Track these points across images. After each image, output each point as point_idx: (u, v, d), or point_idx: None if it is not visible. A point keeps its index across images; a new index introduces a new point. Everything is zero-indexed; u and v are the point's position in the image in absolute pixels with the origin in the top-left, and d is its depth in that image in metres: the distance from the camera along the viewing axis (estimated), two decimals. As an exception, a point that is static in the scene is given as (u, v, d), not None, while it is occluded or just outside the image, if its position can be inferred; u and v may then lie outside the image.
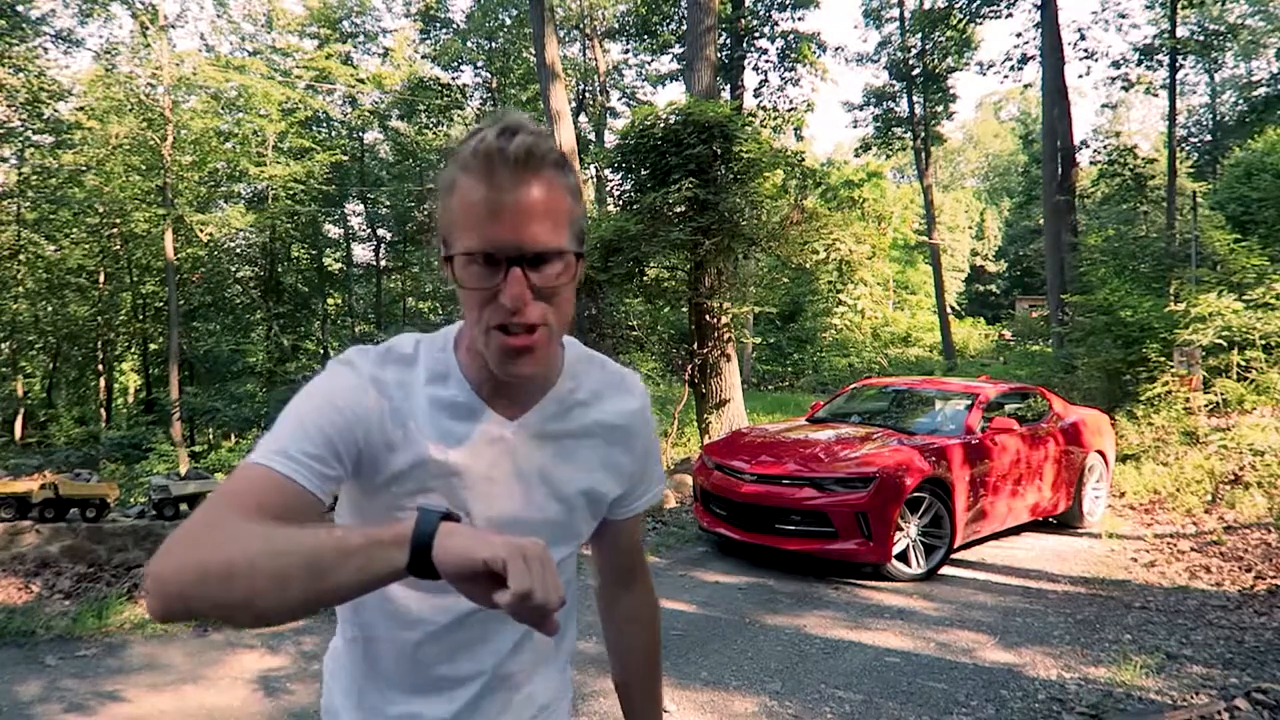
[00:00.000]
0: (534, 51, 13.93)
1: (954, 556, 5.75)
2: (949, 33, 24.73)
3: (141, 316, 23.55)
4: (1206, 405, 8.80)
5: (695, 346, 9.92)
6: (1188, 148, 29.80)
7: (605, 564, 1.27)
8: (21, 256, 20.62)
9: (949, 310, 29.71)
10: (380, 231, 25.57)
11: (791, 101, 22.38)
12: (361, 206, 25.62)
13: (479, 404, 0.99)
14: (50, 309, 22.17)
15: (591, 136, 26.44)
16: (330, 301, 25.69)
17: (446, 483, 0.98)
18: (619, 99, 28.10)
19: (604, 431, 1.08)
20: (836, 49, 31.28)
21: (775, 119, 21.68)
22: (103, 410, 22.88)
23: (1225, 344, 8.95)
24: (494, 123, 0.88)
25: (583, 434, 1.06)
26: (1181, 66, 21.29)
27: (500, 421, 1.00)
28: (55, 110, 18.45)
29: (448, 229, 0.91)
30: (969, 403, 6.40)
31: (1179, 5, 19.07)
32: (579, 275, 0.95)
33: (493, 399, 1.00)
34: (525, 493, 1.03)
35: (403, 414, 0.97)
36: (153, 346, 24.19)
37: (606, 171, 14.29)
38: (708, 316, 9.74)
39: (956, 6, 23.45)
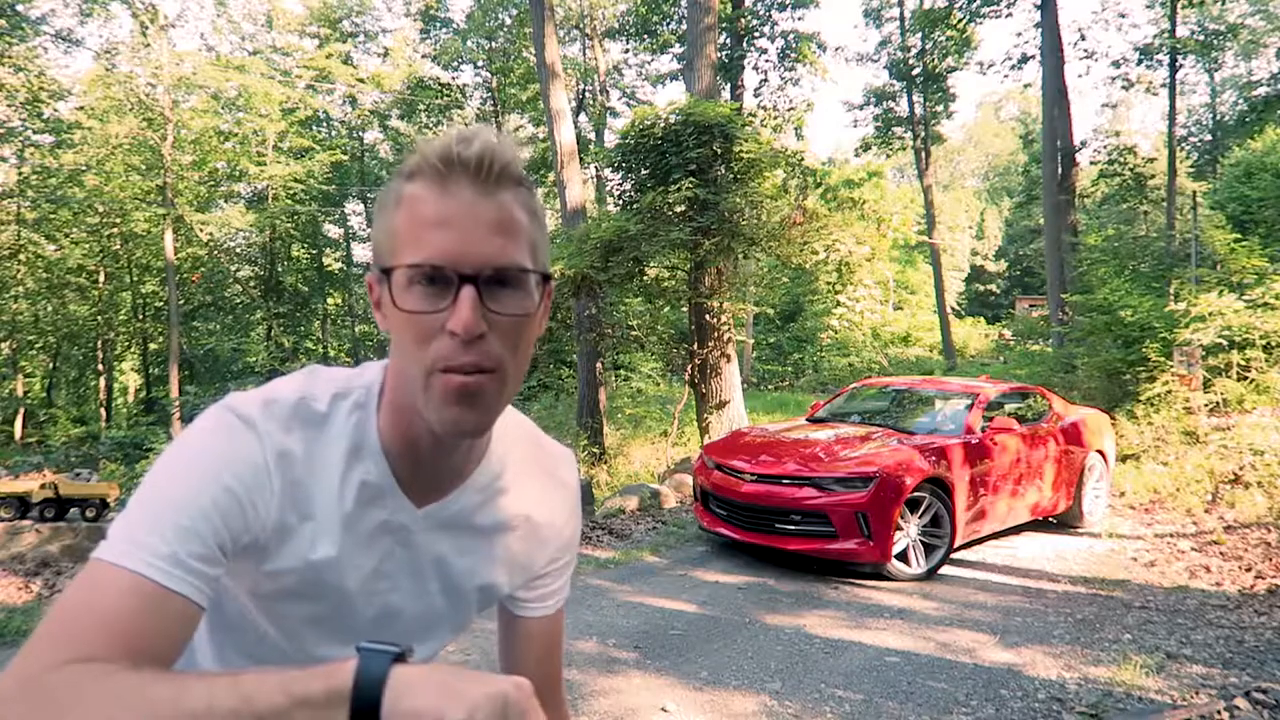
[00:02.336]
0: (534, 51, 13.94)
1: (954, 556, 5.75)
2: (949, 32, 24.74)
3: (141, 316, 23.58)
4: (1206, 405, 8.80)
5: (695, 346, 9.92)
6: (1188, 147, 29.83)
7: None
8: (21, 256, 20.64)
9: (949, 310, 29.72)
10: (380, 231, 25.75)
11: (791, 101, 22.39)
12: (361, 206, 25.65)
13: (391, 486, 0.82)
14: (50, 309, 22.20)
15: (591, 136, 26.44)
16: (330, 301, 25.72)
17: (332, 577, 0.83)
18: (619, 99, 28.13)
19: (523, 525, 0.93)
20: (836, 49, 31.29)
21: (775, 119, 21.68)
22: (103, 410, 22.90)
23: (1225, 344, 8.95)
24: (450, 132, 0.76)
25: (496, 529, 0.91)
26: (1181, 66, 21.31)
27: (406, 508, 0.84)
28: (55, 110, 18.46)
29: (387, 248, 0.75)
30: (969, 402, 6.40)
31: (1179, 5, 19.08)
32: (544, 316, 0.80)
33: (407, 479, 0.83)
34: (415, 585, 0.89)
35: (308, 502, 0.79)
36: (153, 346, 24.23)
37: (606, 171, 14.30)
38: (708, 316, 9.74)
39: (956, 6, 23.45)
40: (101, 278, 22.52)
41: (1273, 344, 9.02)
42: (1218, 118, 31.78)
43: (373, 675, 0.58)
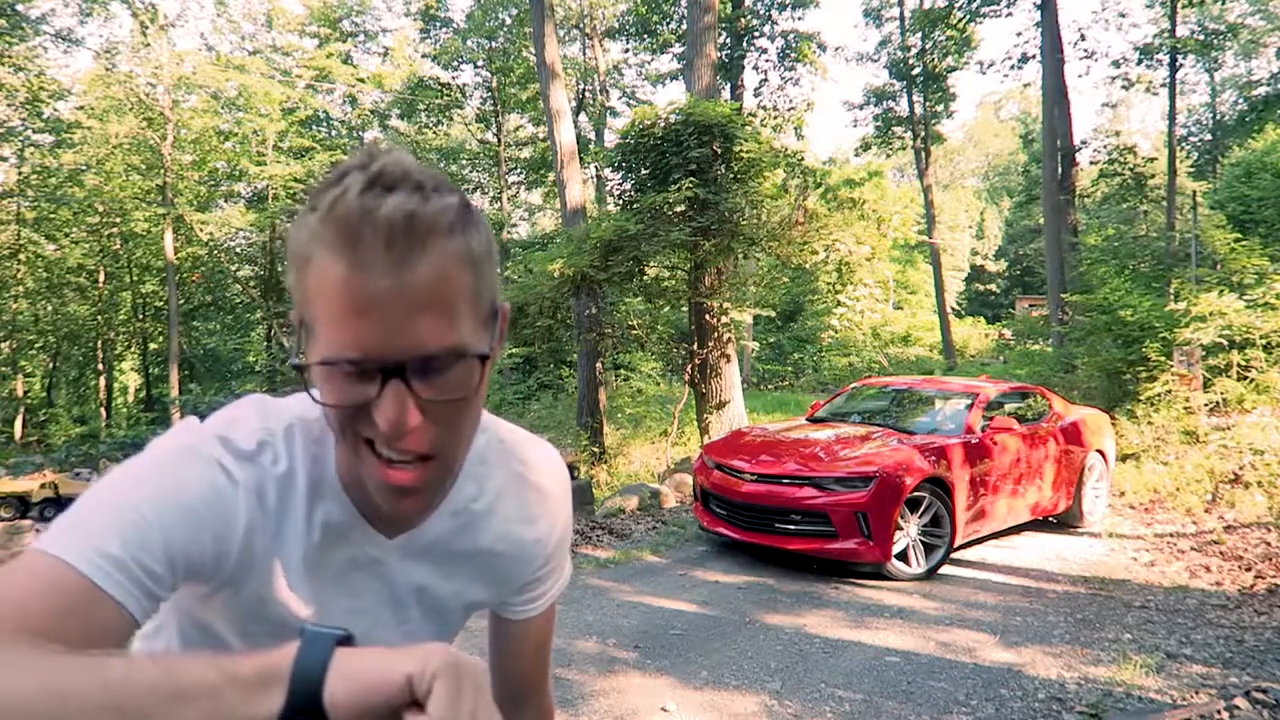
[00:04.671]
0: (534, 51, 13.94)
1: (954, 556, 5.75)
2: (949, 32, 24.74)
3: (141, 316, 23.59)
4: (1206, 405, 8.79)
5: (695, 346, 9.92)
6: (1188, 147, 29.81)
7: (495, 673, 1.02)
8: (21, 256, 20.66)
9: (949, 310, 29.71)
10: (380, 231, 25.87)
11: (791, 101, 22.39)
12: (362, 206, 25.69)
13: (355, 521, 0.78)
14: (50, 308, 22.22)
15: (591, 136, 26.44)
16: (330, 301, 25.73)
17: (300, 616, 0.79)
18: (619, 99, 28.12)
19: (506, 544, 0.87)
20: (836, 48, 31.36)
21: (775, 119, 21.68)
22: (103, 410, 22.90)
23: (1225, 343, 8.95)
24: (362, 162, 0.63)
25: (478, 552, 0.86)
26: (1181, 66, 21.30)
27: (377, 542, 0.79)
28: (55, 110, 18.46)
29: (307, 314, 0.66)
30: (969, 402, 6.39)
31: (1179, 4, 19.07)
32: (497, 348, 0.71)
33: (372, 511, 0.77)
34: (395, 615, 0.85)
35: (270, 542, 0.75)
36: (153, 346, 24.24)
37: (606, 171, 14.30)
38: (708, 316, 9.74)
39: (956, 6, 23.45)
40: (101, 277, 22.53)
41: (1273, 344, 9.02)
42: (1218, 117, 31.75)
43: (315, 656, 0.53)
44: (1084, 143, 20.02)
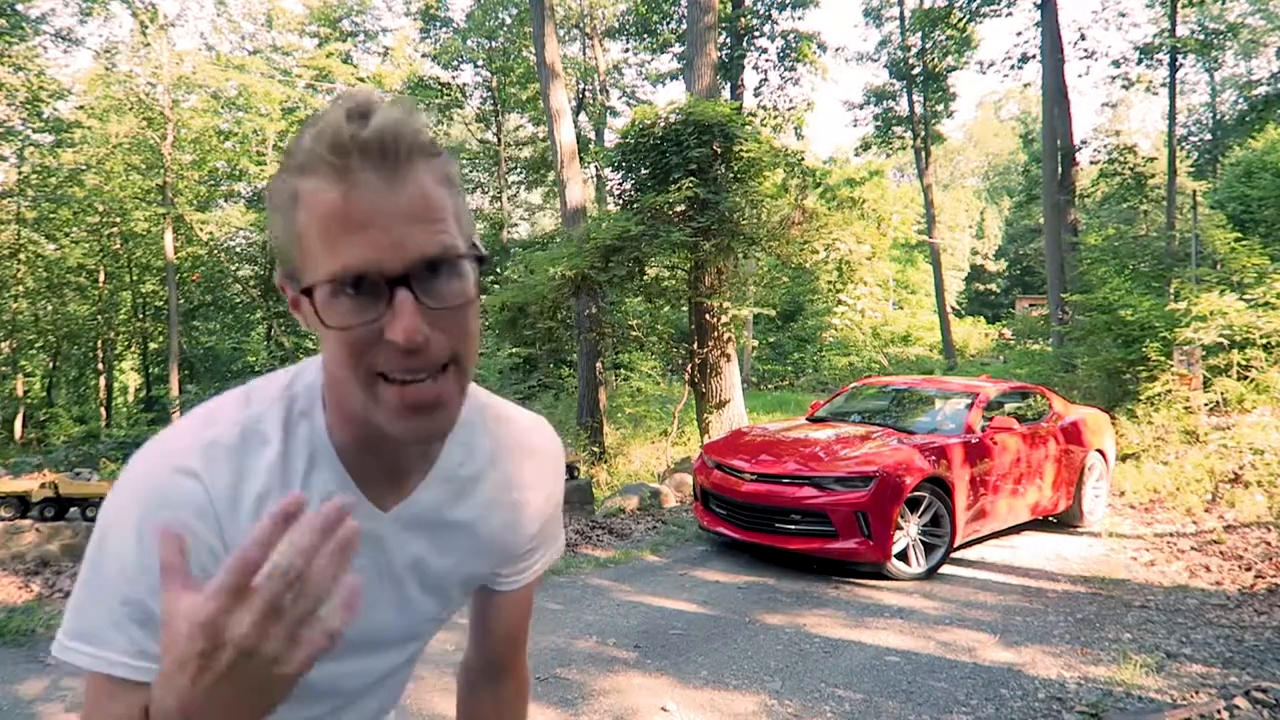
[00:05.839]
0: (534, 50, 13.94)
1: (954, 555, 5.76)
2: (949, 31, 24.74)
3: (141, 316, 23.57)
4: (1206, 404, 8.80)
5: (695, 346, 9.92)
6: (1188, 147, 29.82)
7: (476, 642, 1.03)
8: (21, 256, 20.65)
9: (949, 309, 29.71)
10: (380, 231, 25.81)
11: (791, 101, 22.39)
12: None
13: (351, 492, 0.77)
14: (50, 308, 22.20)
15: (591, 136, 26.42)
16: (330, 300, 25.67)
17: None
18: (619, 98, 28.10)
19: (500, 509, 0.87)
20: (837, 48, 31.32)
21: (775, 118, 21.68)
22: (103, 409, 22.88)
23: (1225, 343, 8.95)
24: (336, 107, 0.64)
25: (472, 520, 0.85)
26: (1181, 65, 21.30)
27: (371, 513, 0.78)
28: (55, 109, 18.44)
29: (294, 256, 0.66)
30: (969, 402, 6.39)
31: (1179, 4, 19.06)
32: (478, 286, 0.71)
33: (367, 480, 0.77)
34: (394, 594, 0.83)
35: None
36: (153, 345, 24.23)
37: (606, 171, 14.29)
38: (708, 316, 9.74)
39: (956, 5, 23.45)
40: (101, 277, 22.51)
41: (1273, 343, 9.02)
42: (1218, 117, 31.75)
43: None
44: (1084, 142, 20.02)
